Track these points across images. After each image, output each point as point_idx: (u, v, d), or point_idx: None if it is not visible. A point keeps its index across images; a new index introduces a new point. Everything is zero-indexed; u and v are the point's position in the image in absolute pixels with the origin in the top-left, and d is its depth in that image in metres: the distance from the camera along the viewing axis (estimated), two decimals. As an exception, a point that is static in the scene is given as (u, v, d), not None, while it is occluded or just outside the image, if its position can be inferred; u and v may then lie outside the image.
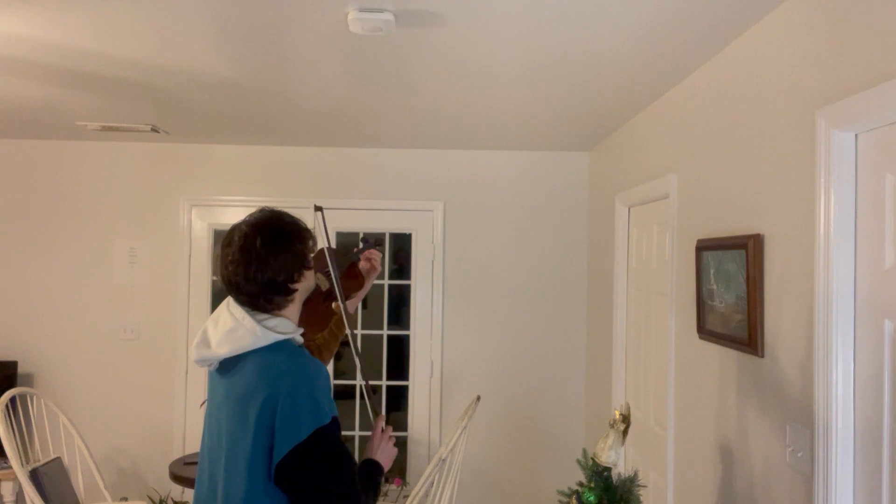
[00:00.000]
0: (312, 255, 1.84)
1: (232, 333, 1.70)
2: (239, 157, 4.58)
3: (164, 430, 4.50)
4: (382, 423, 1.90)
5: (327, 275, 1.99)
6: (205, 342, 1.74)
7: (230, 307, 1.74)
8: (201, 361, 1.76)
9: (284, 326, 1.72)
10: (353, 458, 1.66)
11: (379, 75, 2.85)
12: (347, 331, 2.03)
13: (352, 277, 2.18)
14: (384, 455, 1.86)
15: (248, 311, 1.72)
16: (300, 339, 1.78)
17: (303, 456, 1.59)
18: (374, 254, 2.24)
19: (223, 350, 1.70)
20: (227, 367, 1.73)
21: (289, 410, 1.59)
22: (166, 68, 2.80)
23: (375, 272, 2.25)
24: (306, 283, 1.79)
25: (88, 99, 3.35)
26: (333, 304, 2.06)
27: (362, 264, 2.23)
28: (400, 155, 4.59)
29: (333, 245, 2.11)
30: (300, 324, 1.85)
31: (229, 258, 1.72)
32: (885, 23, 1.56)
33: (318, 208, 2.07)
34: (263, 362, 1.67)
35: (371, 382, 2.10)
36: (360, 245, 2.26)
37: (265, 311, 1.73)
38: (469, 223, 4.59)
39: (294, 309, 1.78)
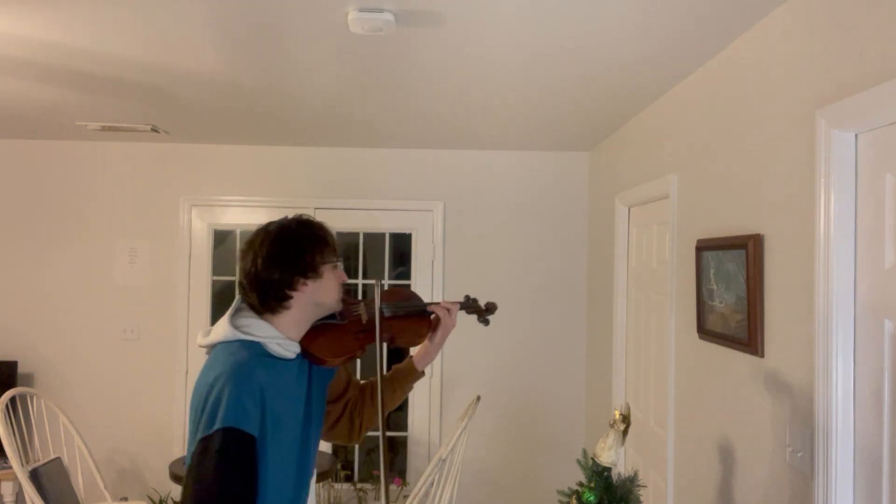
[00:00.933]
0: (336, 270, 1.77)
1: (217, 326, 1.73)
2: (239, 157, 4.58)
3: (164, 430, 4.50)
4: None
5: (378, 312, 1.83)
6: (208, 331, 1.77)
7: (235, 301, 1.78)
8: (200, 348, 1.78)
9: (257, 329, 1.69)
10: (230, 488, 1.51)
11: (379, 75, 2.85)
12: (379, 375, 1.83)
13: (416, 324, 1.97)
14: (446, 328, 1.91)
15: (239, 308, 1.74)
16: (281, 350, 1.69)
17: (190, 459, 1.54)
18: (451, 308, 1.99)
19: (202, 340, 1.74)
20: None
21: (197, 409, 1.57)
22: (166, 68, 2.80)
23: (445, 330, 1.98)
24: (312, 295, 1.73)
25: (88, 99, 3.35)
26: (367, 345, 1.86)
27: (434, 316, 1.99)
28: (400, 155, 4.59)
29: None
30: (313, 346, 1.77)
31: (240, 251, 1.76)
32: (885, 23, 1.56)
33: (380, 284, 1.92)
34: (211, 356, 1.68)
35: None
36: (464, 300, 2.08)
37: (258, 312, 1.72)
38: (469, 223, 4.59)
39: (291, 319, 1.72)
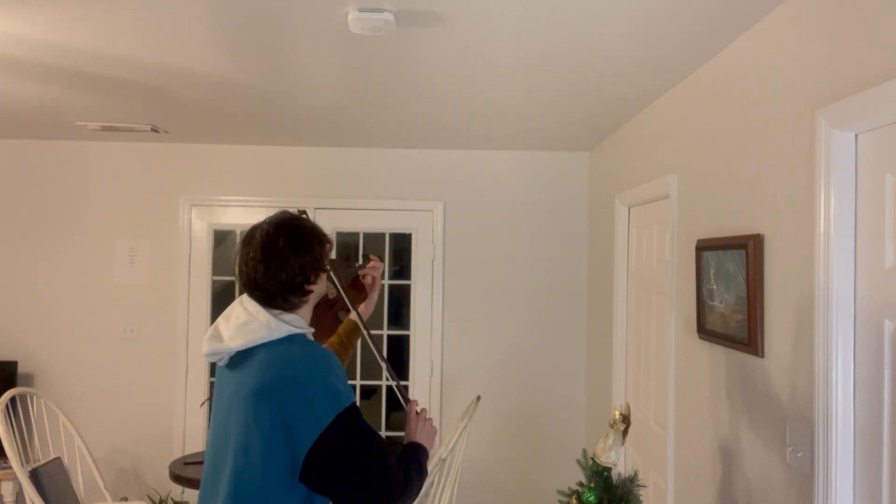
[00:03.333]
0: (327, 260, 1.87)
1: (245, 327, 1.71)
2: (239, 157, 4.58)
3: (164, 430, 4.50)
4: (417, 407, 1.93)
5: (334, 284, 2.03)
6: (217, 336, 1.75)
7: (244, 303, 1.76)
8: (212, 355, 1.75)
9: (298, 323, 1.76)
10: (382, 438, 1.68)
11: (379, 75, 2.85)
12: (366, 334, 2.05)
13: (357, 289, 2.21)
14: (424, 435, 1.89)
15: (262, 307, 1.75)
16: (311, 338, 1.80)
17: (330, 442, 1.59)
18: (375, 266, 2.25)
19: (237, 342, 1.71)
20: (238, 361, 1.73)
21: (305, 400, 1.60)
22: (166, 68, 2.80)
23: (377, 284, 2.26)
24: (320, 286, 1.83)
25: (88, 99, 3.35)
26: (340, 313, 2.09)
27: (366, 279, 2.25)
28: (400, 155, 4.59)
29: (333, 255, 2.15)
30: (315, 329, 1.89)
31: (250, 255, 1.74)
32: (885, 23, 1.56)
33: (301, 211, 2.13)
34: (276, 353, 1.68)
35: (397, 383, 2.10)
36: (361, 261, 2.31)
37: (281, 308, 1.76)
38: (469, 223, 4.59)
39: (307, 310, 1.82)
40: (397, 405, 4.64)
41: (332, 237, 4.49)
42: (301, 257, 1.74)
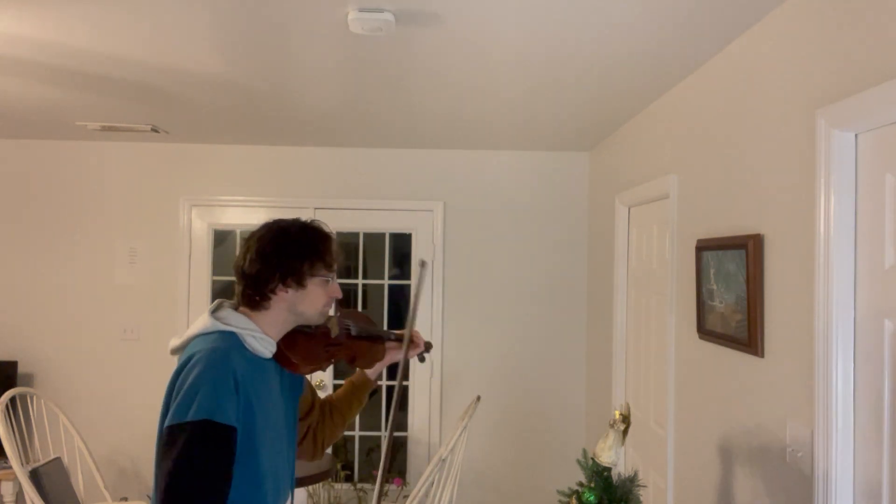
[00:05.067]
0: (326, 283, 1.77)
1: (193, 324, 1.74)
2: (239, 157, 4.58)
3: (164, 430, 4.49)
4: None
5: (345, 328, 1.94)
6: (182, 335, 1.78)
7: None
8: (173, 350, 1.75)
9: (235, 320, 1.69)
10: (204, 479, 1.49)
11: (379, 75, 2.85)
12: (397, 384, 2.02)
13: (374, 348, 2.06)
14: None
15: (218, 304, 1.76)
16: (257, 345, 1.69)
17: (160, 444, 1.52)
18: (420, 340, 2.09)
19: (177, 339, 1.73)
20: None
21: (175, 395, 1.54)
22: (166, 68, 2.80)
23: (399, 359, 2.07)
24: (293, 301, 1.73)
25: (88, 99, 3.35)
26: (337, 359, 1.96)
27: (393, 344, 2.09)
28: (400, 155, 4.59)
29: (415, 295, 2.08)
30: (290, 349, 1.77)
31: (249, 236, 1.78)
32: (885, 23, 1.56)
33: (422, 264, 2.06)
34: (194, 344, 1.66)
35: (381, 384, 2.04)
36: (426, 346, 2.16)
37: (243, 300, 1.74)
38: (469, 223, 4.59)
39: (269, 318, 1.72)
40: (397, 405, 4.63)
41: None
42: (268, 256, 1.70)
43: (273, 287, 1.71)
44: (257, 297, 1.71)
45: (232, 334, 1.66)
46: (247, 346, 1.67)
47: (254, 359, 1.68)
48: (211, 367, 1.55)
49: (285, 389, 1.81)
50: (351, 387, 2.10)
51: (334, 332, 1.90)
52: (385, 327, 4.62)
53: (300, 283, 1.73)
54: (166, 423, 1.52)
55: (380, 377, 2.17)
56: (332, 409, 2.06)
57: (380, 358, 2.06)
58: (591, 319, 4.47)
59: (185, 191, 4.57)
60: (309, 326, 1.84)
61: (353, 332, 1.96)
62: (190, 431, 1.48)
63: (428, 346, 2.14)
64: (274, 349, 1.74)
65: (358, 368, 2.09)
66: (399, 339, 2.09)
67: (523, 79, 2.86)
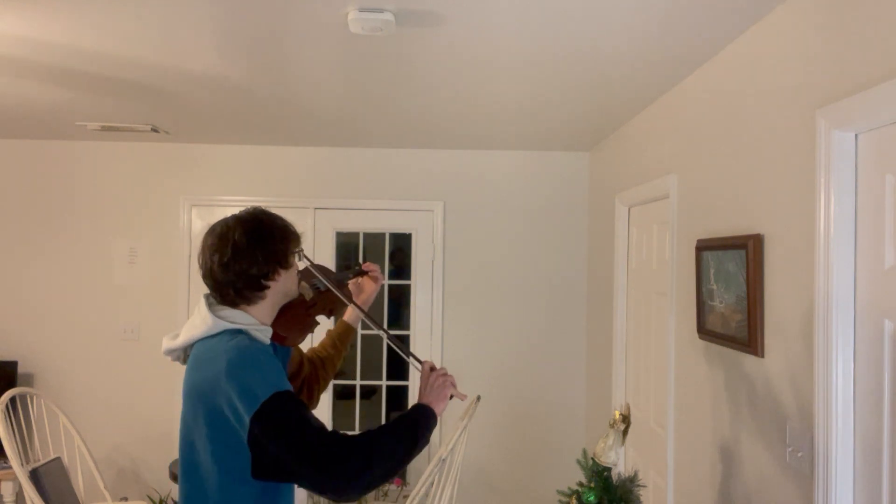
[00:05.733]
0: (297, 258, 1.84)
1: (190, 324, 1.74)
2: (239, 157, 4.58)
3: (163, 430, 4.49)
4: (428, 365, 1.82)
5: (314, 287, 2.00)
6: (175, 335, 1.78)
7: (201, 299, 1.78)
8: (168, 352, 1.78)
9: (239, 317, 1.72)
10: (315, 419, 1.58)
11: (379, 75, 2.85)
12: (363, 315, 2.04)
13: (342, 293, 2.15)
14: (434, 392, 1.75)
15: (210, 303, 1.75)
16: (262, 336, 1.73)
17: (257, 441, 1.54)
18: (372, 267, 2.21)
19: (178, 340, 1.74)
20: (189, 358, 1.75)
21: (228, 400, 1.56)
22: (166, 68, 2.80)
23: (369, 287, 2.21)
24: (283, 284, 1.79)
25: (88, 99, 3.35)
26: (318, 317, 2.02)
27: (357, 281, 2.23)
28: (400, 155, 4.59)
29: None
30: (279, 327, 1.82)
31: (208, 244, 1.75)
32: (885, 23, 1.56)
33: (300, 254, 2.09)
34: (205, 350, 1.67)
35: (408, 353, 2.04)
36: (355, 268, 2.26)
37: (233, 304, 1.74)
38: (469, 223, 4.59)
39: (265, 307, 1.77)
40: (397, 405, 4.63)
41: (332, 237, 4.53)
42: (258, 249, 1.72)
43: (272, 275, 1.75)
44: (256, 290, 1.74)
45: (239, 331, 1.70)
46: (253, 339, 1.71)
47: (262, 346, 1.72)
48: (249, 357, 1.61)
49: (281, 360, 1.87)
50: (336, 335, 2.22)
51: (307, 294, 1.96)
52: (385, 327, 4.63)
53: (288, 263, 1.79)
54: (247, 419, 1.53)
55: (358, 320, 2.26)
56: (322, 362, 2.16)
57: (349, 298, 2.12)
58: (591, 319, 4.47)
59: (185, 191, 4.57)
60: None
61: (322, 287, 2.01)
62: (268, 411, 1.52)
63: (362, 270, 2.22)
64: (270, 333, 1.78)
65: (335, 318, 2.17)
66: (359, 275, 2.21)
67: (523, 78, 2.86)
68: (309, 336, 2.02)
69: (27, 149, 4.54)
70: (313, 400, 2.13)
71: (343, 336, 2.23)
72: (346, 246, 4.64)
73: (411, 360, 1.94)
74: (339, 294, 2.01)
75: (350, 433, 1.59)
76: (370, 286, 2.21)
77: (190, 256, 4.55)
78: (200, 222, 4.58)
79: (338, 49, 2.51)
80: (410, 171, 4.59)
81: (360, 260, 4.63)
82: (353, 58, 2.61)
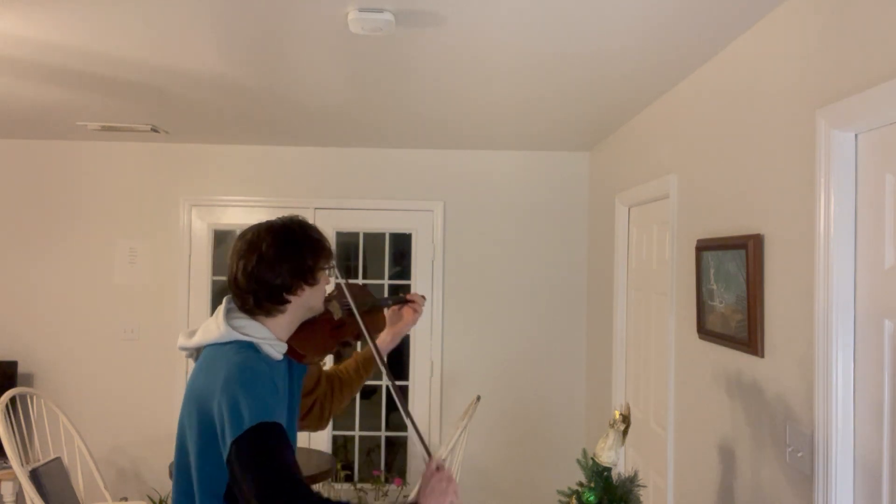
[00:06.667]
0: (327, 275, 1.77)
1: (206, 326, 1.71)
2: (239, 157, 4.58)
3: (164, 430, 4.49)
4: (435, 463, 1.69)
5: (346, 308, 1.87)
6: (192, 332, 1.75)
7: (223, 302, 1.75)
8: (182, 349, 1.76)
9: (253, 330, 1.68)
10: (290, 466, 1.51)
11: (379, 75, 2.85)
12: (383, 370, 1.88)
13: (376, 319, 2.03)
14: (433, 498, 1.63)
15: (230, 309, 1.72)
16: (274, 352, 1.69)
17: (233, 465, 1.50)
18: (416, 297, 2.06)
19: (192, 340, 1.71)
20: (198, 360, 1.73)
21: (219, 415, 1.54)
22: (166, 68, 2.80)
23: (406, 321, 2.05)
24: (306, 300, 1.74)
25: (88, 99, 3.35)
26: (345, 340, 1.90)
27: (397, 309, 2.07)
28: (400, 155, 4.59)
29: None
30: (296, 343, 1.77)
31: (236, 248, 1.72)
32: (885, 23, 1.56)
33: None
34: (212, 358, 1.65)
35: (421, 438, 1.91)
36: (399, 296, 2.11)
37: (251, 313, 1.70)
38: (469, 223, 4.59)
39: (283, 321, 1.72)
40: (396, 405, 4.63)
41: (332, 237, 4.53)
42: (284, 261, 1.68)
43: (295, 289, 1.70)
44: (277, 303, 1.70)
45: (250, 345, 1.66)
46: (262, 353, 1.67)
47: (270, 362, 1.68)
48: (248, 376, 1.56)
49: (294, 380, 1.82)
50: (362, 360, 2.10)
51: (337, 314, 1.87)
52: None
53: (315, 280, 1.74)
54: (229, 440, 1.50)
55: (390, 348, 2.10)
56: (341, 383, 2.05)
57: (382, 327, 2.02)
58: (591, 319, 4.47)
59: (185, 191, 4.57)
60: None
61: (355, 309, 1.86)
62: (249, 439, 1.48)
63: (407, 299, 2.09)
64: (285, 349, 1.73)
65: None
66: (400, 303, 2.06)
67: (523, 79, 2.86)
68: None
69: (27, 149, 4.54)
70: (323, 420, 2.03)
71: (367, 363, 2.10)
72: (347, 246, 4.64)
73: (421, 445, 1.79)
74: (359, 320, 1.83)
75: (324, 496, 1.50)
76: (410, 317, 2.06)
77: (190, 256, 4.55)
78: (200, 222, 4.58)
79: (338, 49, 2.51)
80: (410, 171, 4.59)
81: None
82: (353, 58, 2.61)
